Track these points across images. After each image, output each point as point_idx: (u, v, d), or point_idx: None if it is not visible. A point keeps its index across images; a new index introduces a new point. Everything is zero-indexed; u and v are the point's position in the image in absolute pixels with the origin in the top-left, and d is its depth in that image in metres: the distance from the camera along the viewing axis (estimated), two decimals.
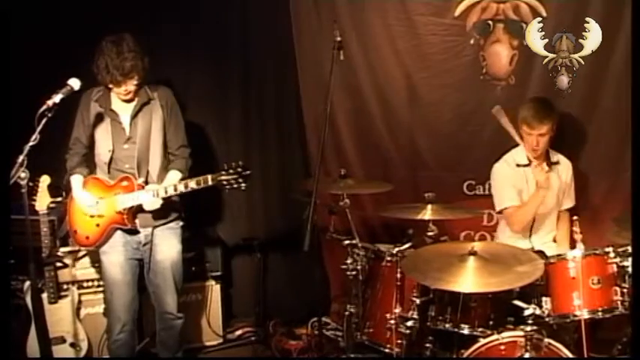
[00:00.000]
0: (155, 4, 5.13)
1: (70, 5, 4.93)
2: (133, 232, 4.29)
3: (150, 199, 4.14)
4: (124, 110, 4.26)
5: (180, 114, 4.45)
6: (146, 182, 4.23)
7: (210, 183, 4.05)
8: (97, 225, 4.26)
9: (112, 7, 4.93)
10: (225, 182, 4.01)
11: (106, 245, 4.28)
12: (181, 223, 4.45)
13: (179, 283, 4.44)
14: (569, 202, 4.77)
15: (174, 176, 4.29)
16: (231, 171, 4.01)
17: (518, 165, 4.69)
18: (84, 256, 4.82)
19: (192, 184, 4.09)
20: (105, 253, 4.30)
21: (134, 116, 4.24)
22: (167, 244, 4.36)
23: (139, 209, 4.22)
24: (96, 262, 4.73)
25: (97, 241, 4.28)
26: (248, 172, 4.03)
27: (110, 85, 4.14)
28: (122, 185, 4.21)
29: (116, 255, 4.28)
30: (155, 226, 4.32)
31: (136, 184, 4.19)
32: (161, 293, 4.40)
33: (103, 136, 4.25)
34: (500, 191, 4.75)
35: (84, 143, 4.31)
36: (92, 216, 4.25)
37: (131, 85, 4.15)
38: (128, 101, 4.24)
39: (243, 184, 4.02)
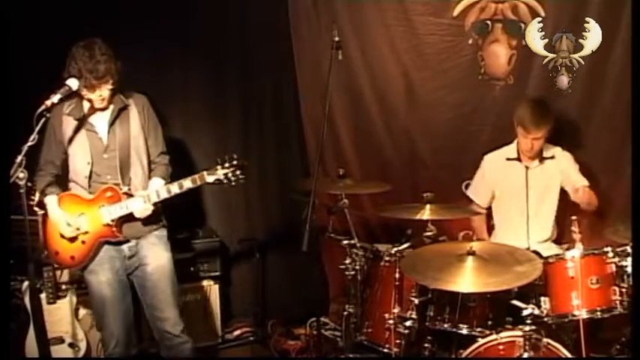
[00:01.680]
0: (154, 4, 5.12)
1: (69, 5, 4.92)
2: (118, 244, 4.10)
3: (141, 206, 3.97)
4: (99, 119, 4.07)
5: (157, 120, 4.26)
6: (127, 191, 4.06)
7: (207, 180, 3.92)
8: (83, 242, 4.05)
9: (111, 6, 4.93)
10: (223, 177, 3.91)
11: (91, 264, 4.06)
12: (166, 230, 4.25)
13: (175, 294, 4.19)
14: (580, 181, 4.69)
15: (157, 183, 4.10)
16: (226, 165, 3.90)
17: (507, 159, 4.70)
18: None
19: (188, 183, 3.94)
20: (91, 272, 4.06)
21: (112, 124, 4.06)
22: (155, 253, 4.14)
23: (125, 220, 4.04)
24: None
25: (83, 259, 4.04)
26: (245, 163, 3.93)
27: (84, 92, 3.92)
28: (106, 197, 4.01)
29: (103, 272, 4.06)
30: (141, 236, 4.12)
31: (121, 194, 4.01)
32: (154, 312, 4.15)
33: (80, 150, 4.05)
34: (475, 181, 4.89)
35: (55, 163, 4.11)
36: (74, 237, 4.04)
37: (105, 90, 3.94)
38: (103, 109, 4.05)
39: (241, 177, 3.92)
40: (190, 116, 5.24)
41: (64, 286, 4.66)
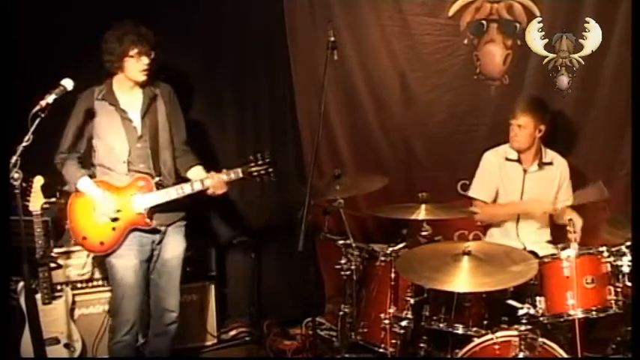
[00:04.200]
0: (150, 4, 5.11)
1: (67, 5, 4.92)
2: (149, 232, 4.23)
3: (174, 196, 4.15)
4: (131, 108, 4.20)
5: (181, 111, 4.44)
6: (159, 181, 4.21)
7: (240, 175, 4.17)
8: (113, 229, 4.15)
9: (110, 7, 4.93)
10: (255, 173, 4.17)
11: (120, 249, 4.18)
12: (185, 222, 4.41)
13: (179, 283, 4.41)
14: (566, 200, 4.76)
15: (200, 170, 4.34)
16: (260, 162, 4.17)
17: (507, 159, 4.71)
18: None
19: (224, 177, 4.18)
20: (118, 257, 4.18)
21: (144, 113, 4.20)
22: (175, 243, 4.34)
23: (155, 209, 4.18)
24: (92, 263, 4.75)
25: (113, 245, 4.15)
26: (275, 162, 4.21)
27: (130, 61, 4.08)
28: (138, 185, 4.15)
29: (130, 258, 4.18)
30: (168, 225, 4.29)
31: (153, 183, 4.17)
32: (164, 294, 4.35)
33: (116, 135, 4.16)
34: (477, 179, 4.83)
35: (78, 148, 4.21)
36: (113, 219, 4.14)
37: (147, 60, 4.12)
38: (142, 85, 4.20)
39: (272, 174, 4.20)
40: (187, 115, 5.22)
41: (59, 287, 4.66)
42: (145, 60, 4.12)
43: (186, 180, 4.28)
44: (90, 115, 4.16)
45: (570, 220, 4.01)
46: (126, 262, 4.18)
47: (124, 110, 4.18)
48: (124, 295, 4.21)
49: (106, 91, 4.18)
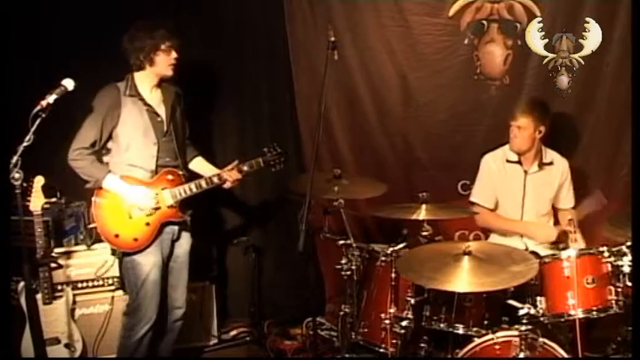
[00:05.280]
0: (149, 4, 5.11)
1: (66, 5, 4.92)
2: (173, 225, 4.31)
3: (204, 188, 4.31)
4: (157, 103, 4.27)
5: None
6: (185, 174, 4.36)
7: (262, 165, 4.54)
8: (147, 224, 4.19)
9: (108, 7, 4.93)
10: (272, 162, 4.57)
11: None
12: (190, 218, 4.46)
13: (187, 278, 4.49)
14: (567, 202, 4.77)
15: (202, 160, 4.62)
16: (273, 151, 4.58)
17: (507, 161, 4.71)
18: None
19: (245, 167, 4.49)
20: (146, 254, 4.20)
21: (171, 108, 4.30)
22: (186, 238, 4.42)
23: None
24: (94, 262, 4.74)
25: (147, 240, 4.19)
26: (286, 152, 4.68)
27: (157, 55, 4.15)
28: (168, 179, 4.24)
29: (155, 254, 4.22)
30: (185, 220, 4.37)
31: (182, 176, 4.29)
32: (172, 290, 4.41)
33: (144, 130, 4.19)
34: (478, 183, 4.85)
35: (99, 144, 4.19)
36: (149, 213, 4.19)
37: (176, 54, 4.21)
38: (168, 80, 4.30)
39: (283, 163, 4.62)
40: (187, 115, 5.21)
41: (59, 287, 4.65)
42: (174, 54, 4.21)
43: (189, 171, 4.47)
44: (114, 110, 4.15)
45: (570, 220, 4.02)
46: (151, 259, 4.22)
47: (151, 105, 4.23)
48: (146, 294, 4.23)
49: (131, 85, 4.20)
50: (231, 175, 4.43)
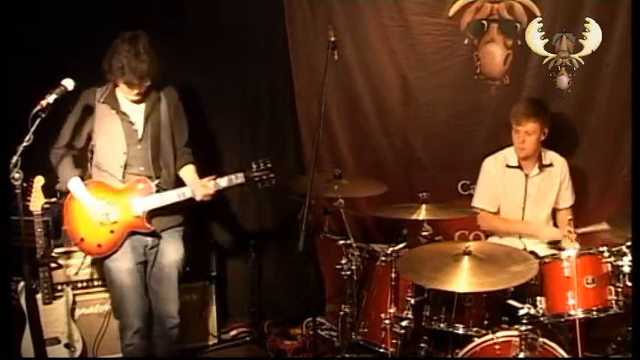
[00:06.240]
0: (149, 4, 5.10)
1: (66, 5, 4.92)
2: (142, 235, 4.23)
3: (175, 199, 4.17)
4: (134, 110, 4.20)
5: (184, 114, 4.44)
6: (159, 183, 4.22)
7: (243, 181, 4.28)
8: (112, 232, 4.16)
9: (108, 7, 4.92)
10: (257, 178, 4.29)
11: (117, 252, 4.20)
12: (183, 227, 4.40)
13: (177, 288, 4.40)
14: (567, 201, 4.77)
15: (191, 170, 4.36)
16: (262, 166, 4.30)
17: (507, 165, 4.71)
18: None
19: (223, 182, 4.24)
20: (113, 260, 4.18)
21: (147, 116, 4.21)
22: (173, 248, 4.32)
23: (154, 212, 4.19)
24: (93, 264, 4.73)
25: (111, 248, 4.17)
26: (274, 168, 4.34)
27: (121, 87, 4.09)
28: (138, 188, 4.16)
29: (125, 261, 4.18)
30: (164, 230, 4.28)
31: (153, 186, 4.17)
32: (163, 301, 4.33)
33: (115, 139, 4.16)
34: (480, 188, 4.85)
35: (77, 147, 4.22)
36: (103, 225, 4.15)
37: (143, 88, 4.11)
38: (137, 102, 4.20)
39: (273, 179, 4.32)
40: (187, 117, 5.22)
41: (59, 287, 4.65)
42: (141, 90, 4.12)
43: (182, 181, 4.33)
44: (89, 114, 4.16)
45: (570, 220, 4.01)
46: (121, 265, 4.18)
47: (124, 113, 4.18)
48: (122, 299, 4.21)
49: (108, 93, 4.18)
50: (201, 191, 4.23)
